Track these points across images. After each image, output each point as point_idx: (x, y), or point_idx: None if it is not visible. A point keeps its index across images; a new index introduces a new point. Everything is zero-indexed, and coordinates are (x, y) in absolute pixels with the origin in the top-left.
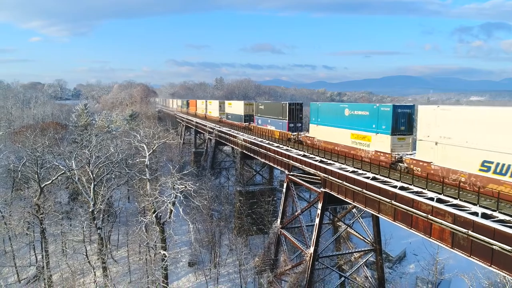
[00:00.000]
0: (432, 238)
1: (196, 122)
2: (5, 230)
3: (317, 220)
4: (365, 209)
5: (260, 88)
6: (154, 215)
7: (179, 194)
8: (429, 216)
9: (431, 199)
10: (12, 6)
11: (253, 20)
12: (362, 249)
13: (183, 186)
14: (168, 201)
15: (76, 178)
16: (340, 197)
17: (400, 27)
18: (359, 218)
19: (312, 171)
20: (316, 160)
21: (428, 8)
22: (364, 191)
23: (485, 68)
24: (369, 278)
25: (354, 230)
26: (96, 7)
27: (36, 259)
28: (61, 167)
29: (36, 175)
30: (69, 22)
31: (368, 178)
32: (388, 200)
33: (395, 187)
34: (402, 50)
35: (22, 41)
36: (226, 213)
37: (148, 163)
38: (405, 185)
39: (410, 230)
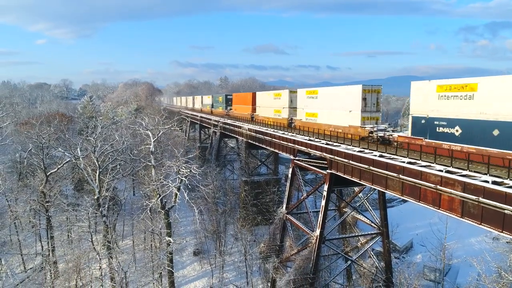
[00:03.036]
0: (441, 209)
1: (201, 117)
2: (12, 218)
3: (323, 202)
4: (372, 186)
5: (265, 87)
6: (159, 199)
7: (184, 179)
8: (438, 187)
9: (440, 171)
10: (20, 9)
11: (256, 21)
12: (369, 232)
13: (188, 170)
14: (173, 185)
15: (81, 166)
16: (346, 177)
17: (404, 27)
18: (365, 202)
19: (318, 153)
20: (322, 143)
21: (432, 8)
22: (371, 168)
23: (491, 68)
24: (376, 263)
25: (361, 214)
26: (101, 9)
27: (42, 248)
28: (67, 154)
29: (42, 163)
30: (74, 25)
31: (375, 156)
32: (396, 175)
33: (402, 162)
34: (407, 50)
35: (29, 44)
36: (231, 203)
37: (153, 150)
38: (413, 160)
39: (419, 203)
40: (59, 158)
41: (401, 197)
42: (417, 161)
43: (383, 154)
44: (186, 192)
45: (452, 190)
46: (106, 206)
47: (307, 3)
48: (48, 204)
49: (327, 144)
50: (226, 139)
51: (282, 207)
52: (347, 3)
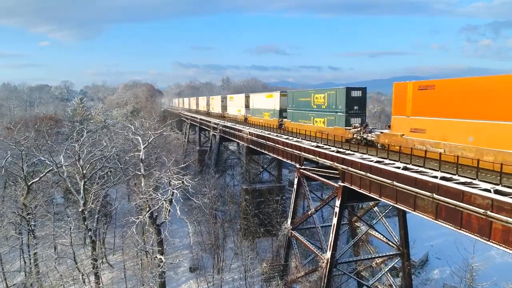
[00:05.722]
0: (491, 241)
1: (200, 119)
2: None
3: (334, 220)
4: (396, 205)
5: (267, 88)
6: (148, 215)
7: (175, 191)
8: (488, 213)
9: (487, 190)
10: (24, 11)
11: (257, 22)
12: (387, 253)
13: (180, 182)
14: (163, 199)
15: (65, 175)
16: (363, 192)
17: (406, 27)
18: (383, 220)
19: (328, 163)
20: (332, 151)
21: (434, 7)
22: (395, 183)
23: (495, 67)
24: (394, 286)
25: (377, 231)
26: (104, 11)
27: (25, 263)
28: (48, 162)
29: (22, 172)
30: (77, 27)
31: (398, 168)
32: (428, 194)
33: (434, 177)
34: (410, 50)
35: (32, 46)
36: (231, 213)
37: (143, 157)
38: (447, 175)
39: (460, 230)
40: (43, 166)
41: (436, 221)
42: (454, 176)
43: (408, 165)
44: (178, 206)
45: (509, 219)
46: (95, 217)
47: (308, 3)
48: (29, 216)
49: (338, 152)
50: (227, 143)
51: (287, 222)
52: (349, 4)
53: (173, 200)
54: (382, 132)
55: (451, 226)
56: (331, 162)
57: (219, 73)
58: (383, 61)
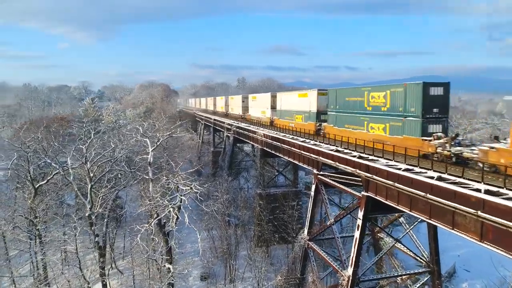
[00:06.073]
0: None
1: (214, 119)
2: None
3: (357, 233)
4: (429, 221)
5: (284, 88)
6: (156, 222)
7: (184, 198)
8: None
9: None
10: (43, 13)
11: (271, 22)
12: (415, 271)
13: (189, 188)
14: (171, 206)
15: (71, 178)
16: (390, 204)
17: (426, 25)
18: (411, 233)
19: (349, 169)
20: (353, 156)
21: (455, 6)
22: (429, 196)
23: None
24: None
25: (402, 244)
26: (121, 12)
27: (34, 268)
28: (54, 165)
29: (29, 175)
30: (95, 28)
31: (431, 178)
32: (472, 211)
33: (477, 190)
34: (429, 49)
35: (51, 47)
36: (244, 219)
37: (151, 161)
38: (493, 188)
39: (511, 255)
40: (51, 169)
41: (481, 243)
42: (500, 190)
43: (442, 175)
44: (187, 213)
45: None
46: (105, 221)
47: (322, 3)
48: (37, 220)
49: (360, 157)
50: (241, 144)
51: (303, 232)
52: (365, 3)
53: (181, 207)
54: (493, 148)
55: (501, 250)
56: (353, 169)
57: (234, 73)
58: (402, 61)
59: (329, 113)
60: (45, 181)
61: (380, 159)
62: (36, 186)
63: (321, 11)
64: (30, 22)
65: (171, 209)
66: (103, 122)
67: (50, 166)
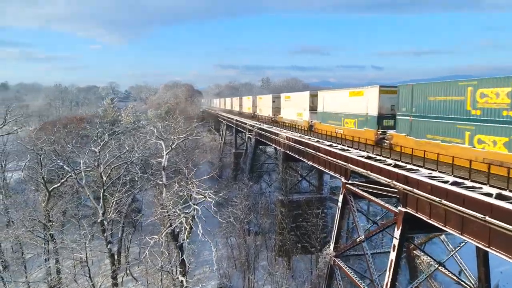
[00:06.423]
0: None
1: (236, 120)
2: (12, 239)
3: (392, 255)
4: (488, 249)
5: (309, 88)
6: (168, 232)
7: (197, 207)
8: None
9: None
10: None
11: (296, 22)
12: None
13: (203, 196)
14: (183, 216)
15: (83, 182)
16: (436, 224)
17: (454, 24)
18: (457, 255)
19: (383, 180)
20: (388, 164)
21: (486, 3)
22: (488, 219)
23: None
24: None
25: (442, 265)
26: (149, 14)
27: (48, 273)
28: (66, 168)
29: (42, 177)
30: (124, 30)
31: (489, 195)
32: None
33: None
34: (457, 48)
35: (84, 49)
36: (265, 227)
37: (165, 165)
38: None
39: None
40: (65, 171)
41: None
42: None
43: (503, 192)
44: (200, 224)
45: None
46: (120, 226)
47: (348, 3)
48: (50, 224)
49: (395, 166)
50: (264, 146)
51: (329, 246)
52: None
53: (195, 217)
54: None
55: None
56: (389, 180)
57: (258, 74)
58: (429, 60)
59: (399, 117)
60: (59, 183)
61: (420, 169)
62: (50, 189)
63: (350, 10)
64: (65, 26)
65: (183, 219)
66: (121, 122)
67: (63, 168)
